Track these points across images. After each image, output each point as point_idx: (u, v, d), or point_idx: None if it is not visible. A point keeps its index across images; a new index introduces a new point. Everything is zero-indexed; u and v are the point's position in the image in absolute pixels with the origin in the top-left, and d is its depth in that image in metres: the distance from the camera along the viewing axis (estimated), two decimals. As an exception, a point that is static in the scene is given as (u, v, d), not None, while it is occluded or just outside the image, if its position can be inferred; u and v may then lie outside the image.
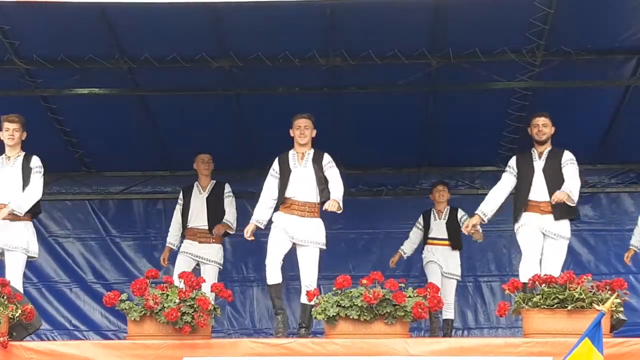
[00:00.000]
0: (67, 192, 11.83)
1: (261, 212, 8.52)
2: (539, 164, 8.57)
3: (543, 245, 8.46)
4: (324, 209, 8.35)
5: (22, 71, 9.93)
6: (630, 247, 9.84)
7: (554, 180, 8.47)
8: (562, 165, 8.54)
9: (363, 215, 11.49)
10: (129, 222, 11.89)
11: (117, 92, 10.37)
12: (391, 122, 10.62)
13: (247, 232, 8.48)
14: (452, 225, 10.30)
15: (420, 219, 10.48)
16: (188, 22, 9.01)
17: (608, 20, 9.15)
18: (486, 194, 8.81)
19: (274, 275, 8.39)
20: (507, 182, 8.65)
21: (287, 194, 8.43)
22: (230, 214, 9.87)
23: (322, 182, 8.47)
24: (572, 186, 8.34)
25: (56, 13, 8.75)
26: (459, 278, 10.36)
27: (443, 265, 10.22)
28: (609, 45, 9.57)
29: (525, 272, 8.17)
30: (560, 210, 8.42)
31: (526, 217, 8.49)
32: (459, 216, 10.32)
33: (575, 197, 8.33)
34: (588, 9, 8.92)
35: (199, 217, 9.92)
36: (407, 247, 10.50)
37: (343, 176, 11.08)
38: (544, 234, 8.44)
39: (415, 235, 10.49)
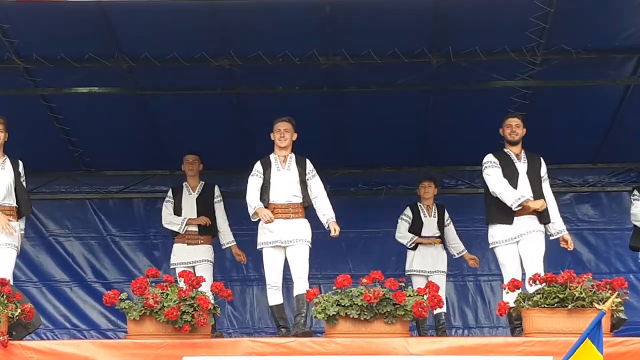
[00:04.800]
0: (67, 192, 11.82)
1: (257, 200, 8.45)
2: (521, 166, 8.54)
3: (519, 249, 8.46)
4: (332, 236, 8.39)
5: (21, 70, 9.92)
6: None
7: (536, 185, 8.48)
8: (542, 177, 8.55)
9: (363, 215, 11.48)
10: (129, 221, 11.89)
11: (116, 91, 10.37)
12: (391, 122, 10.62)
13: (267, 216, 8.31)
14: (442, 223, 10.25)
15: (408, 212, 10.27)
16: (188, 21, 9.01)
17: (608, 20, 9.15)
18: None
19: (275, 296, 8.44)
20: (501, 174, 8.54)
21: (270, 199, 8.46)
22: (223, 223, 9.91)
23: (305, 187, 8.51)
24: (558, 216, 8.58)
25: (56, 12, 8.76)
26: (445, 272, 10.18)
27: (431, 264, 10.10)
28: (610, 44, 9.57)
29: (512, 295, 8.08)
30: (542, 217, 8.46)
31: (502, 228, 8.48)
32: (445, 217, 10.25)
33: None
34: (588, 8, 8.92)
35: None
36: (404, 240, 10.27)
37: (343, 176, 11.15)
38: (518, 242, 8.45)
39: (404, 228, 10.27)
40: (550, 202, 8.56)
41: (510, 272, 8.37)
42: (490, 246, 8.63)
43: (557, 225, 8.59)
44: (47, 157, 10.84)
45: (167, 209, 10.02)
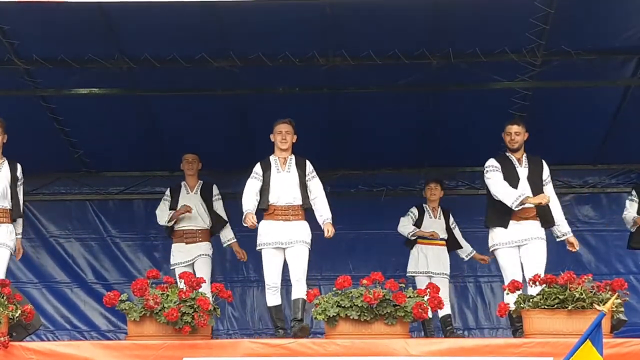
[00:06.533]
0: (67, 192, 11.82)
1: (250, 204, 8.50)
2: (522, 171, 8.56)
3: (520, 255, 8.46)
4: (325, 237, 8.37)
5: (21, 71, 9.92)
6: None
7: (538, 189, 8.48)
8: (543, 181, 8.55)
9: (363, 216, 11.48)
10: (129, 222, 11.88)
11: (116, 92, 10.36)
12: (391, 122, 10.61)
13: (250, 221, 8.38)
14: (448, 227, 10.22)
15: (415, 210, 10.27)
16: (188, 22, 9.00)
17: (608, 20, 9.14)
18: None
19: (274, 297, 8.45)
20: (501, 177, 8.57)
21: (270, 200, 8.47)
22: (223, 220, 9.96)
23: (305, 189, 8.51)
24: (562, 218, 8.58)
25: (56, 13, 8.74)
26: (448, 274, 10.17)
27: (435, 265, 10.06)
28: (610, 45, 9.56)
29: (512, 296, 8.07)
30: (546, 220, 8.46)
31: (502, 231, 8.48)
32: (450, 221, 10.24)
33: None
34: (588, 9, 8.92)
35: (186, 217, 9.92)
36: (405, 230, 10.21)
37: (343, 177, 11.15)
38: (519, 246, 8.45)
39: (408, 221, 10.22)
40: (554, 204, 8.56)
41: (510, 275, 8.36)
42: (490, 249, 8.63)
43: (562, 228, 8.61)
44: (47, 158, 10.82)
45: (163, 205, 10.07)
